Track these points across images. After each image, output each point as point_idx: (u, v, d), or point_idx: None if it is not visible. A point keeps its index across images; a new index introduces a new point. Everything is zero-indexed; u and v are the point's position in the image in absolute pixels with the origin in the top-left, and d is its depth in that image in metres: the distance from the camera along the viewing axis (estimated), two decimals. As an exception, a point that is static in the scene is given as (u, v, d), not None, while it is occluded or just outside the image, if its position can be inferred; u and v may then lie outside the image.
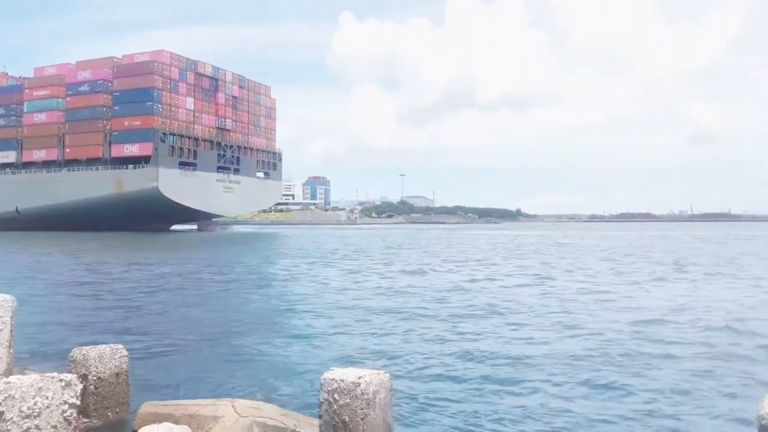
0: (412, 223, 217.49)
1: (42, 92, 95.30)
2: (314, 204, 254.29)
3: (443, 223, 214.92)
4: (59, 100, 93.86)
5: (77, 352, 6.15)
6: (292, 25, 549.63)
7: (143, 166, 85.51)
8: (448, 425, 6.96)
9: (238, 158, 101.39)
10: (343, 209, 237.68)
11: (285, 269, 28.97)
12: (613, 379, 8.86)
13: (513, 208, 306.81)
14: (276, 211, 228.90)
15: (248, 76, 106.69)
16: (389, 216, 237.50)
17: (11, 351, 6.20)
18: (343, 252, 44.18)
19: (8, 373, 5.95)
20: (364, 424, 4.55)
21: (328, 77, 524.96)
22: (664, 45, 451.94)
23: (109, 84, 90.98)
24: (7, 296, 6.21)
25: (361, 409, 4.56)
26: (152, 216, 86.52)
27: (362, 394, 4.57)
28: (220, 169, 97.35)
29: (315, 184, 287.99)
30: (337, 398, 4.62)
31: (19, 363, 7.11)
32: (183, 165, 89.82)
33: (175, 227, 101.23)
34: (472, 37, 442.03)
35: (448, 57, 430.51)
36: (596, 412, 7.44)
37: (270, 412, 5.64)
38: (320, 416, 4.77)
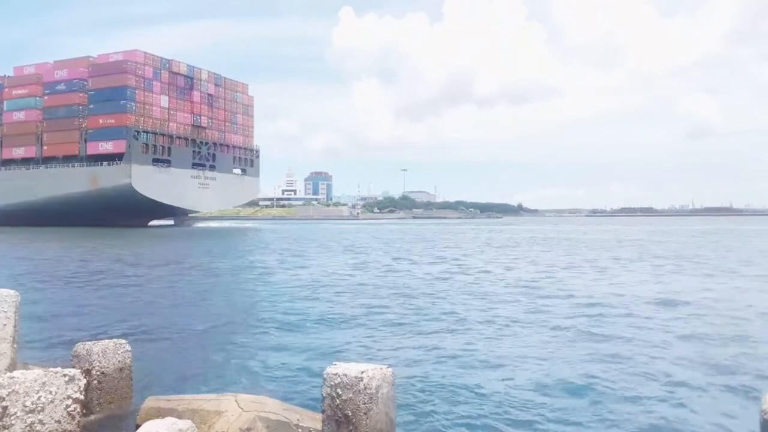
0: (413, 218, 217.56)
1: (21, 91, 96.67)
2: (316, 199, 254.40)
3: (445, 218, 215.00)
4: (37, 98, 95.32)
5: (81, 347, 6.16)
6: (292, 20, 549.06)
7: (117, 163, 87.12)
8: (451, 419, 6.96)
9: (213, 155, 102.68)
10: (345, 204, 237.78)
11: (278, 264, 29.00)
12: (614, 373, 8.86)
13: (514, 202, 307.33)
14: (278, 206, 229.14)
15: (225, 74, 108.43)
16: (391, 211, 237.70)
17: (15, 346, 6.21)
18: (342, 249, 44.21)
19: (12, 368, 5.96)
20: (367, 418, 4.56)
21: (328, 72, 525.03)
22: (662, 38, 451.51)
23: (85, 83, 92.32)
24: (11, 291, 6.22)
25: (364, 403, 4.56)
26: (127, 212, 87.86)
27: (365, 388, 4.57)
28: (195, 165, 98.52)
29: (317, 179, 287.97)
30: (340, 393, 4.63)
31: (23, 358, 7.12)
32: (157, 162, 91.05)
33: (153, 222, 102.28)
34: (471, 32, 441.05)
35: (448, 51, 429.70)
36: (597, 406, 7.44)
37: (273, 407, 5.65)
38: (323, 411, 4.78)
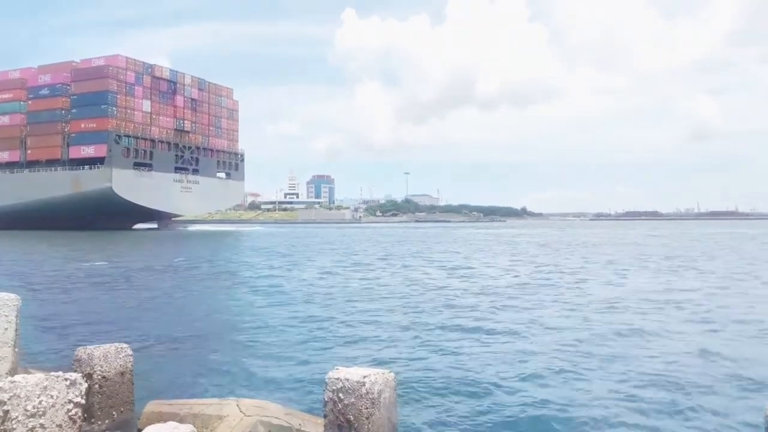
0: (416, 221, 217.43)
1: (5, 95, 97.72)
2: (318, 203, 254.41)
3: (448, 221, 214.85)
4: (21, 103, 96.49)
5: (82, 351, 6.14)
6: (294, 22, 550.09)
7: (98, 167, 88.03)
8: (453, 424, 6.93)
9: (197, 159, 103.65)
10: (347, 208, 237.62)
11: (278, 267, 29.00)
12: (620, 373, 8.82)
13: (518, 205, 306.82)
14: (280, 209, 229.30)
15: (209, 79, 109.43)
16: (394, 215, 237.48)
17: (16, 350, 6.19)
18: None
19: (13, 372, 5.94)
20: (369, 423, 4.53)
21: (330, 74, 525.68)
22: (664, 39, 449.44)
23: (68, 87, 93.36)
24: (12, 295, 6.20)
25: (366, 408, 4.54)
26: (109, 215, 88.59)
27: (367, 393, 4.55)
28: (177, 169, 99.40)
29: (319, 182, 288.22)
30: (342, 397, 4.60)
31: (24, 362, 7.11)
32: (138, 165, 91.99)
33: (137, 226, 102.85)
34: (473, 34, 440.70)
35: (450, 53, 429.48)
36: (602, 410, 7.39)
37: (275, 411, 5.62)
38: (325, 415, 4.75)
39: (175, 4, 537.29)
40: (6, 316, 6.07)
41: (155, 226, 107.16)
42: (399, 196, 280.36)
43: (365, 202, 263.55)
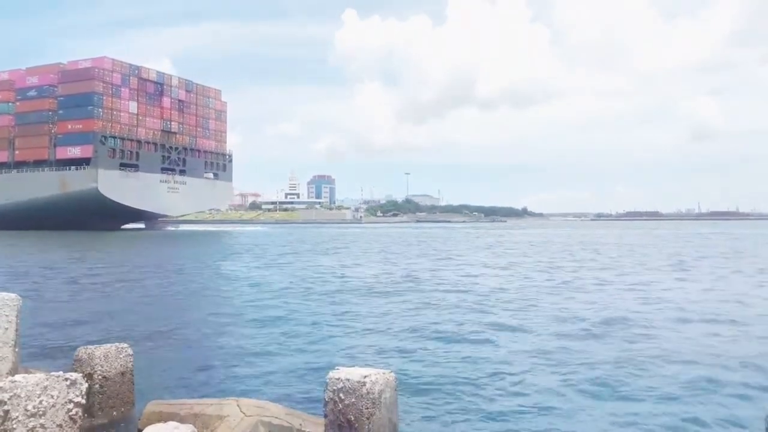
0: (417, 222, 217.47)
1: None
2: (319, 203, 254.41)
3: (449, 221, 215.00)
4: (9, 104, 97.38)
5: (82, 351, 6.15)
6: (295, 23, 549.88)
7: (84, 168, 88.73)
8: (454, 425, 6.92)
9: (184, 159, 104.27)
10: (348, 208, 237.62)
11: (278, 267, 29.00)
12: (622, 376, 8.81)
13: (518, 205, 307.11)
14: (281, 209, 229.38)
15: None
16: (394, 215, 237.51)
17: (16, 350, 6.19)
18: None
19: (14, 371, 5.94)
20: (370, 423, 4.53)
21: (331, 75, 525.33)
22: (665, 40, 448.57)
23: (55, 89, 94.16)
24: (12, 295, 6.20)
25: (367, 408, 4.53)
26: (96, 215, 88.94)
27: (368, 393, 4.54)
28: (164, 170, 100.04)
29: (320, 182, 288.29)
30: (343, 397, 4.60)
31: (25, 362, 7.11)
32: (124, 166, 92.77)
33: (126, 226, 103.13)
34: (474, 34, 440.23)
35: (451, 54, 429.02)
36: (603, 412, 7.38)
37: (275, 412, 5.61)
38: (326, 415, 4.75)
39: (174, 4, 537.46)
40: (6, 316, 6.07)
41: (142, 226, 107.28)
42: (400, 197, 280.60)
43: (366, 202, 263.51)
